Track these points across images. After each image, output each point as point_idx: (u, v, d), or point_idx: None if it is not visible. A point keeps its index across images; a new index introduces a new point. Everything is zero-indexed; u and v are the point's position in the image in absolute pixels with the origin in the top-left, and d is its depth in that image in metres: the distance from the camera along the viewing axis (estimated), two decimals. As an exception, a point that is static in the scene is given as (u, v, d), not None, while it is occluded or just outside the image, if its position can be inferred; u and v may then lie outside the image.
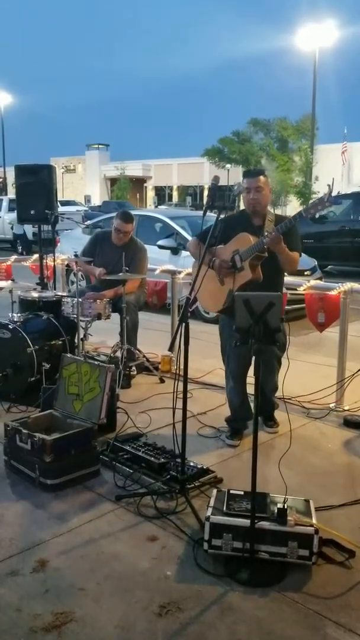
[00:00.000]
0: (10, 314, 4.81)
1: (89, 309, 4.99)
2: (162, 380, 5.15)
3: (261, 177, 3.80)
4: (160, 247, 8.14)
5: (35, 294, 5.17)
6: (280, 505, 2.62)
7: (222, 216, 3.31)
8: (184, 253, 7.93)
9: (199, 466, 3.35)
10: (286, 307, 4.75)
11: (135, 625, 2.25)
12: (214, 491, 2.89)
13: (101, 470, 3.44)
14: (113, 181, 54.72)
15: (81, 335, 4.88)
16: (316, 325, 4.83)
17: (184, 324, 3.05)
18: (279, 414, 4.16)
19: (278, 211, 37.56)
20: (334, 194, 3.27)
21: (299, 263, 3.87)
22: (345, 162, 37.24)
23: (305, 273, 8.17)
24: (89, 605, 2.35)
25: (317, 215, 3.39)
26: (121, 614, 2.30)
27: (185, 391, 3.15)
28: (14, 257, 7.58)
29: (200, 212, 3.87)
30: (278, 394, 4.16)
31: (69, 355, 4.19)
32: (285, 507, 2.61)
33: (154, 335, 6.16)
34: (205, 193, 45.36)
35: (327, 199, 3.29)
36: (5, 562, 2.62)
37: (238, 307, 2.67)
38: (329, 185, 3.22)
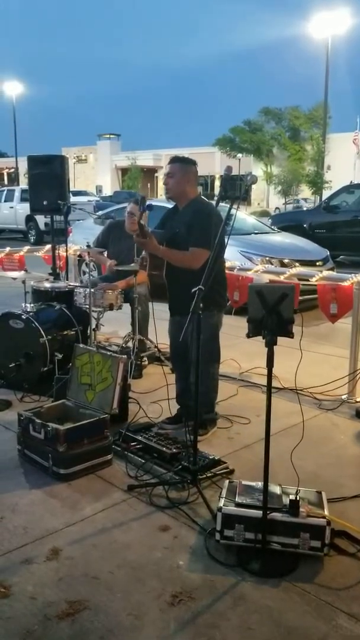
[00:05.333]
0: (23, 304, 4.83)
1: (101, 299, 5.01)
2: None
3: (173, 164, 3.72)
4: None
5: (47, 285, 5.19)
6: (292, 497, 2.62)
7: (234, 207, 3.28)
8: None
9: (210, 457, 3.36)
10: (299, 298, 4.75)
11: (148, 613, 2.26)
12: (226, 482, 2.90)
13: (113, 460, 3.46)
14: (124, 171, 54.65)
15: (93, 326, 4.89)
16: (328, 316, 4.81)
17: (195, 315, 3.05)
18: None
19: (290, 201, 37.36)
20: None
21: (197, 259, 3.54)
22: (357, 151, 36.96)
23: (317, 264, 8.15)
24: (102, 593, 2.37)
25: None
26: (134, 602, 2.32)
27: (197, 381, 3.16)
28: (26, 247, 7.61)
29: (212, 202, 3.85)
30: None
31: (81, 345, 4.21)
32: (297, 498, 2.61)
33: (165, 326, 6.11)
34: (217, 183, 45.14)
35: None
36: (19, 550, 2.65)
37: (251, 298, 2.65)
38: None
